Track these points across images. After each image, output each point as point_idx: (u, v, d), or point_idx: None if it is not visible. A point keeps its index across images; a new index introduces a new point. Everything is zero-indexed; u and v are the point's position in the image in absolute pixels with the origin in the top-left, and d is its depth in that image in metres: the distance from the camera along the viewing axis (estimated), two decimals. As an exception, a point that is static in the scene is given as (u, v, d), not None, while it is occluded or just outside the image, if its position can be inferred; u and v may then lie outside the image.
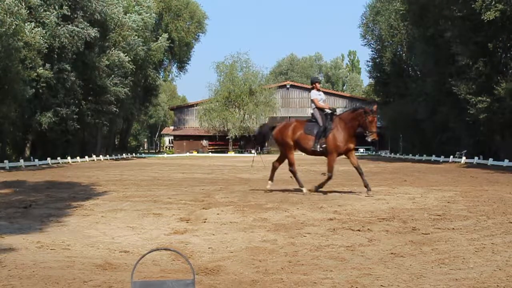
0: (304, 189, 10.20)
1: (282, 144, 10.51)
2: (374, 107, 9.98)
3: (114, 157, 37.38)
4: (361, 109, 9.95)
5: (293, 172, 10.53)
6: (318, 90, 10.58)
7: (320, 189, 10.09)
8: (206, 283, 3.97)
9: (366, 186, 9.74)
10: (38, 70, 24.68)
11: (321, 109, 10.23)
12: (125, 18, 33.72)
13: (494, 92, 21.52)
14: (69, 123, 27.92)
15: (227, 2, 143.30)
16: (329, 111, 10.19)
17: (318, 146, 9.92)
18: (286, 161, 10.71)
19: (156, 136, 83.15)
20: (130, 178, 15.82)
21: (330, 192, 10.45)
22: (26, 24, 22.30)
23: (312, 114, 10.29)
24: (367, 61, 48.08)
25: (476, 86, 22.75)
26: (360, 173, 9.86)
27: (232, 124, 50.57)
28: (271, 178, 10.65)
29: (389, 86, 41.37)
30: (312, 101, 10.40)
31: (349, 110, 10.45)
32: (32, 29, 22.54)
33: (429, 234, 5.79)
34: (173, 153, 53.90)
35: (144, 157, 44.58)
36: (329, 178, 9.97)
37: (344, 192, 10.49)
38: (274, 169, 10.78)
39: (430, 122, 30.86)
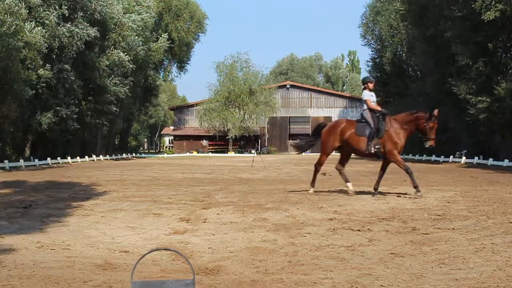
0: (311, 190, 10.12)
1: (325, 143, 10.13)
2: (436, 112, 9.44)
3: (114, 157, 37.38)
4: (423, 113, 9.51)
5: (315, 169, 10.36)
6: (371, 90, 10.07)
7: (418, 188, 9.47)
8: (206, 283, 3.97)
9: (375, 189, 9.68)
10: (38, 71, 24.67)
11: (372, 111, 9.82)
12: (125, 18, 33.72)
13: (494, 92, 21.52)
14: (69, 123, 27.91)
15: (227, 2, 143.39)
16: (381, 112, 9.77)
17: (372, 148, 9.53)
18: (316, 158, 10.49)
19: (156, 136, 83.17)
20: (130, 178, 15.82)
21: (332, 191, 10.44)
22: (26, 24, 22.29)
23: (362, 114, 9.93)
24: (367, 61, 48.10)
25: (476, 86, 22.75)
26: (380, 178, 9.75)
27: (232, 124, 50.56)
28: (346, 180, 10.16)
29: (389, 86, 41.31)
30: (365, 102, 9.95)
31: (407, 112, 9.93)
32: (32, 29, 22.53)
33: (429, 234, 5.79)
34: (173, 153, 53.88)
35: (144, 157, 44.58)
36: (411, 173, 9.37)
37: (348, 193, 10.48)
38: (342, 173, 10.34)
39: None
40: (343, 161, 10.41)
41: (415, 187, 9.34)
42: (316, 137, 10.73)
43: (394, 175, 16.47)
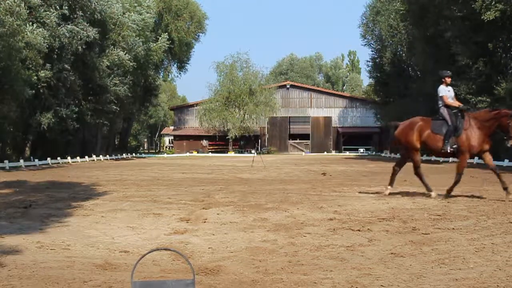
0: (433, 193, 9.26)
1: (406, 144, 9.62)
2: None
3: (114, 157, 37.38)
4: (506, 111, 8.93)
5: (419, 175, 9.63)
6: (448, 85, 9.48)
7: (451, 194, 9.11)
8: (206, 283, 3.97)
9: (504, 188, 8.93)
10: (39, 73, 24.67)
11: (449, 107, 9.27)
12: (125, 17, 33.71)
13: (494, 92, 21.54)
14: (69, 122, 27.92)
15: (227, 2, 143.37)
16: (459, 109, 9.21)
17: (449, 147, 9.05)
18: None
19: (156, 136, 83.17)
20: (130, 178, 15.82)
21: (334, 192, 10.43)
22: (28, 25, 22.30)
23: (440, 112, 9.32)
24: (367, 61, 48.10)
25: (476, 86, 22.76)
26: (497, 174, 9.05)
27: (232, 124, 50.57)
28: (391, 183, 9.81)
29: (389, 86, 41.36)
30: (441, 98, 9.37)
31: (487, 109, 9.34)
32: (34, 30, 22.53)
33: (429, 234, 5.79)
34: (173, 153, 53.88)
35: (144, 157, 44.58)
36: (458, 181, 9.06)
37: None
38: (394, 173, 9.89)
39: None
40: (401, 163, 9.98)
41: (449, 192, 9.06)
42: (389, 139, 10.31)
43: (394, 175, 16.47)
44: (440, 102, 9.47)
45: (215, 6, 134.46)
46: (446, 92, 9.43)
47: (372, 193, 10.30)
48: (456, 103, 9.39)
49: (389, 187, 9.79)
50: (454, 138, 9.04)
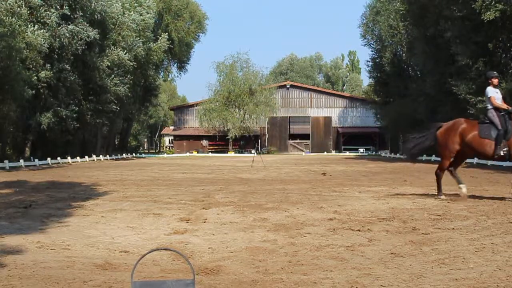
0: (442, 196, 9.11)
1: (444, 146, 9.24)
2: None
3: (114, 157, 37.39)
4: None
5: (438, 176, 9.35)
6: (495, 86, 9.22)
7: None
8: (206, 283, 3.97)
9: None
10: (40, 74, 24.68)
11: (498, 109, 8.97)
12: (125, 17, 33.72)
13: (494, 92, 21.55)
14: (68, 122, 27.93)
15: (227, 2, 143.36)
16: (507, 111, 8.91)
17: (501, 151, 8.75)
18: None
19: (156, 136, 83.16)
20: (130, 178, 15.82)
21: (334, 192, 10.42)
22: (29, 26, 22.31)
23: (488, 115, 9.06)
24: (367, 61, 48.11)
25: (476, 86, 22.76)
26: None
27: (232, 124, 50.58)
28: (458, 182, 9.29)
29: (389, 86, 41.39)
30: (489, 99, 9.07)
31: None
32: (34, 31, 22.54)
33: (429, 234, 5.79)
34: (173, 153, 53.88)
35: (144, 157, 44.58)
36: None
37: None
38: (454, 174, 9.46)
39: (430, 122, 30.83)
40: (456, 164, 9.62)
41: None
42: (429, 139, 9.73)
43: (394, 175, 16.49)
44: (488, 105, 9.15)
45: (215, 6, 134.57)
46: (494, 93, 9.12)
47: (372, 193, 10.30)
48: (505, 106, 9.07)
49: (461, 185, 9.28)
50: (504, 141, 8.77)
